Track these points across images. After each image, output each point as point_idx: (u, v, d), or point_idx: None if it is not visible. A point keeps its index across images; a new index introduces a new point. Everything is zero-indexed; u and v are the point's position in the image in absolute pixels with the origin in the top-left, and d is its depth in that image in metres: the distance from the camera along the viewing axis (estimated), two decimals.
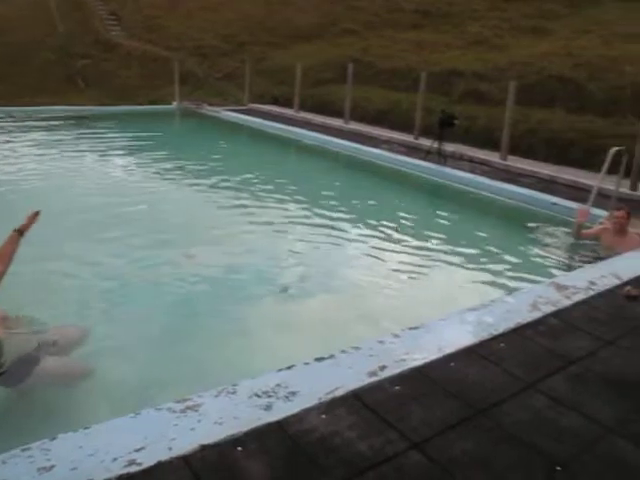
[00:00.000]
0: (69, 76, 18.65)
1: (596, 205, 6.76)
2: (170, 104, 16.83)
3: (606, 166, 6.77)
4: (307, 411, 2.51)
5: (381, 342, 3.18)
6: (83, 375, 3.50)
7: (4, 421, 3.19)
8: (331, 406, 2.57)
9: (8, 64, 17.72)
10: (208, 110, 16.48)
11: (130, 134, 13.14)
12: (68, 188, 8.22)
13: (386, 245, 6.48)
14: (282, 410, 2.49)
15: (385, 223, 7.31)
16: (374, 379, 2.80)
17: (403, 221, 7.50)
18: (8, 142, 11.23)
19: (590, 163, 9.52)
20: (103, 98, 17.17)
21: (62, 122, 13.97)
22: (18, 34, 19.67)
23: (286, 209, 7.75)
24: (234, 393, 2.61)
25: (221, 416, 2.43)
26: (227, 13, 22.80)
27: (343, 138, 12.27)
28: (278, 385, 2.67)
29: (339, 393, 2.65)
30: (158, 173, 9.58)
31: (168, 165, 10.24)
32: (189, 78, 18.41)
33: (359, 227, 7.10)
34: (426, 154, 10.39)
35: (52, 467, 2.04)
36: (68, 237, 5.98)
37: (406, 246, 6.49)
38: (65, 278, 5.03)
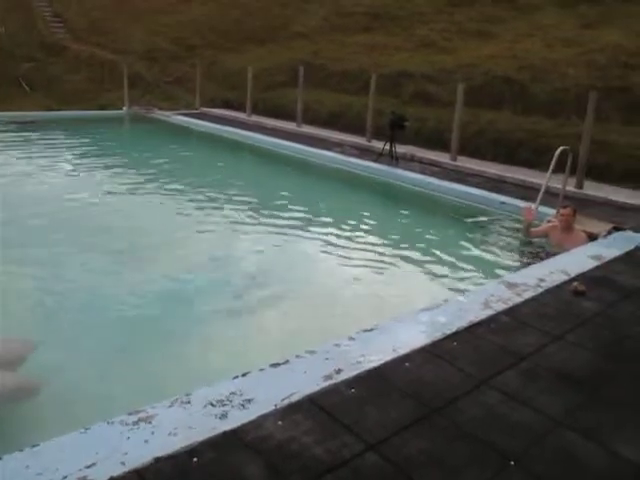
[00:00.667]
0: (13, 80, 18.04)
1: (544, 203, 6.94)
2: (120, 109, 16.48)
3: (553, 165, 6.96)
4: (263, 418, 2.49)
5: (337, 345, 3.19)
6: (28, 390, 3.35)
7: None
8: (287, 412, 2.56)
9: None
10: (158, 114, 16.22)
11: (79, 140, 12.81)
12: (11, 195, 7.94)
13: (340, 247, 6.50)
14: (238, 418, 2.46)
15: (338, 225, 7.34)
16: (330, 383, 2.80)
17: (356, 222, 7.54)
18: None
19: (537, 162, 9.79)
20: (50, 103, 16.68)
21: (6, 128, 13.49)
22: None
23: (240, 213, 7.69)
24: (188, 403, 2.57)
25: (175, 427, 2.39)
26: (177, 16, 22.48)
27: (296, 141, 12.26)
28: (233, 393, 2.64)
29: (295, 398, 2.64)
30: (107, 179, 9.37)
31: (117, 170, 10.02)
32: (139, 82, 18.08)
33: (312, 230, 7.10)
34: (378, 156, 10.49)
35: None
36: (9, 245, 5.77)
37: (359, 247, 6.52)
38: (5, 288, 4.85)
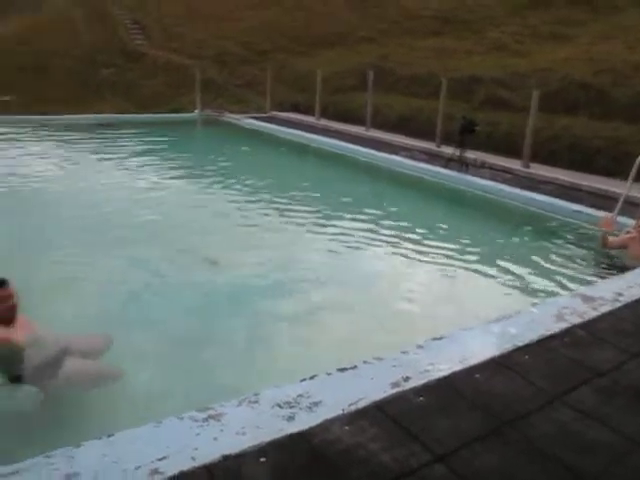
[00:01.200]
0: (94, 85, 18.91)
1: (623, 214, 6.64)
2: (192, 112, 16.95)
3: (633, 173, 6.66)
4: (330, 422, 2.49)
5: (405, 353, 3.15)
6: (112, 378, 3.53)
7: (30, 425, 3.21)
8: (354, 417, 2.54)
9: (34, 73, 18.05)
10: (229, 118, 16.56)
11: (153, 141, 13.28)
12: (90, 194, 8.32)
13: (406, 253, 6.44)
14: (305, 421, 2.47)
15: (405, 231, 7.27)
16: (397, 390, 2.76)
17: (425, 228, 7.44)
18: (36, 149, 11.44)
19: (616, 170, 9.38)
20: (129, 106, 17.37)
21: (87, 130, 14.12)
22: (44, 43, 20.04)
23: (308, 217, 7.75)
24: (256, 402, 2.60)
25: (243, 426, 2.42)
26: (248, 21, 22.96)
27: (364, 145, 12.25)
28: (300, 395, 2.65)
29: (362, 404, 2.62)
30: (180, 181, 9.66)
31: (191, 173, 10.31)
32: (211, 86, 18.54)
33: (381, 235, 7.07)
34: (447, 161, 10.33)
35: (75, 475, 2.05)
36: (91, 243, 6.06)
37: (427, 254, 6.44)
38: (87, 285, 5.09)
